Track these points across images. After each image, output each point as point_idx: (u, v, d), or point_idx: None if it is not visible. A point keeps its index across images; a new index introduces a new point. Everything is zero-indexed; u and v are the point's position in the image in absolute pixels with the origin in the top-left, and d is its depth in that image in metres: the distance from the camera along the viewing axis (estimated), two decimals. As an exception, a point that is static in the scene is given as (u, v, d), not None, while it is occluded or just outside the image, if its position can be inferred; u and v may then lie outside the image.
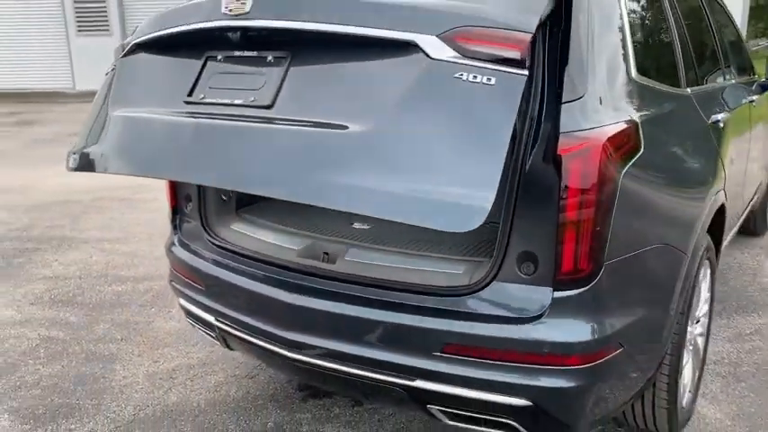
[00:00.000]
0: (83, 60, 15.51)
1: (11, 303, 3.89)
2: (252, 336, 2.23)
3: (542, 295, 1.80)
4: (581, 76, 1.80)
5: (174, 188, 2.58)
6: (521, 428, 1.91)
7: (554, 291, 1.79)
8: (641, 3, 2.37)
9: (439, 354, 1.89)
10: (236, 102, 1.90)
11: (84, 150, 2.19)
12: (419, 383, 1.93)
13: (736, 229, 3.66)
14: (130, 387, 2.98)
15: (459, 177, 1.60)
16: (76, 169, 2.18)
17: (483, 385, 1.86)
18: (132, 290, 4.04)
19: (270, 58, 1.91)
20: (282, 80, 1.85)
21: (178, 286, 2.58)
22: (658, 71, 2.35)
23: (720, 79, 3.24)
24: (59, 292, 4.04)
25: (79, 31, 15.51)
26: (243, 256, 2.31)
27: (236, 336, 2.31)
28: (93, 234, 5.14)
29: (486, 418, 1.94)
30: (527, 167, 1.77)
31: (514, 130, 1.63)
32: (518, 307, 1.83)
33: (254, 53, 1.95)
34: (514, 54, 1.61)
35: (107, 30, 15.44)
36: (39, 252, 4.76)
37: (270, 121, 1.83)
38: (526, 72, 1.62)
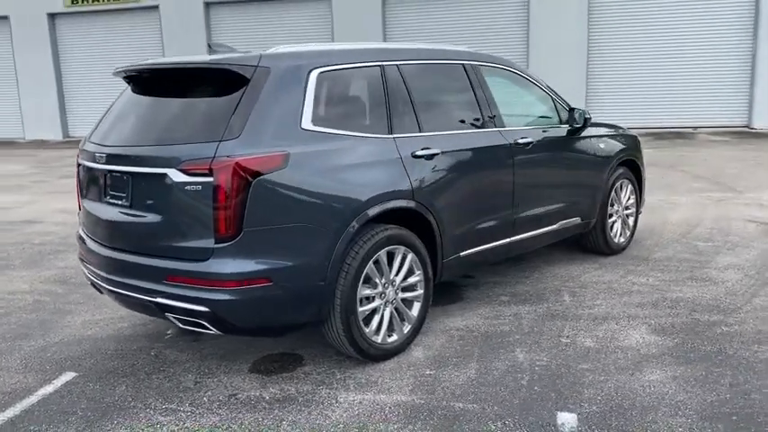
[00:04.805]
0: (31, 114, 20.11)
1: (27, 281, 5.70)
2: (97, 278, 3.79)
3: (209, 246, 3.24)
4: (239, 127, 3.26)
5: (79, 198, 4.22)
6: (209, 326, 3.34)
7: (215, 243, 3.22)
8: (338, 85, 3.76)
9: (165, 281, 3.36)
10: (119, 202, 3.63)
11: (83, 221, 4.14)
12: (159, 299, 3.40)
13: (515, 239, 4.70)
14: (69, 327, 4.62)
15: (193, 236, 3.27)
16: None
17: (186, 299, 3.30)
18: (109, 276, 5.73)
19: (125, 177, 3.60)
20: (131, 190, 3.55)
21: (80, 257, 4.20)
22: (344, 123, 3.69)
23: (475, 129, 4.46)
24: (62, 276, 5.81)
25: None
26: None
27: (94, 281, 3.87)
28: (108, 242, 6.96)
29: (193, 320, 3.37)
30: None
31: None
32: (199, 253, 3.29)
33: (120, 174, 3.63)
34: (205, 171, 3.20)
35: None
36: (65, 252, 6.61)
37: (130, 215, 3.59)
38: (212, 178, 3.17)
